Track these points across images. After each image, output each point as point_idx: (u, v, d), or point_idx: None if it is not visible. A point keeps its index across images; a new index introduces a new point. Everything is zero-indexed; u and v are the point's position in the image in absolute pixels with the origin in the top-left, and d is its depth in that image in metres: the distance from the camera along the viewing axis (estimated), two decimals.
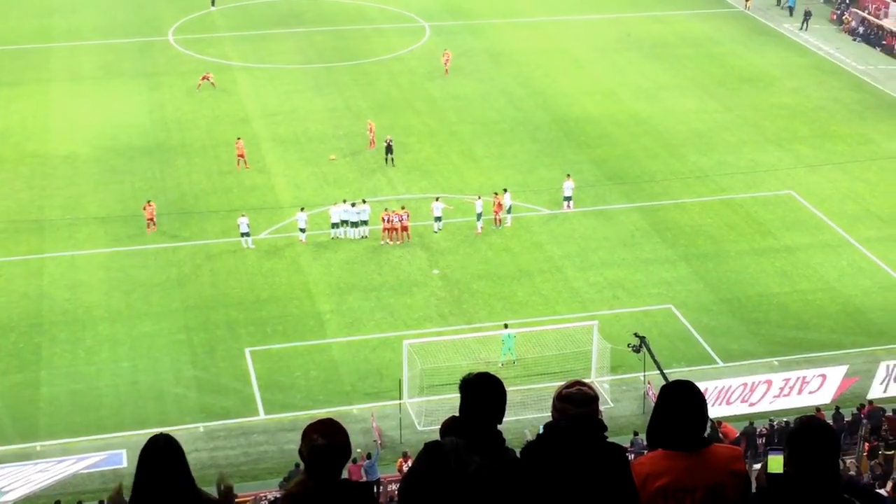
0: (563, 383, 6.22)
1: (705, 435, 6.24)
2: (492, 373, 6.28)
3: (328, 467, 5.93)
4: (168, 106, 54.88)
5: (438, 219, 43.07)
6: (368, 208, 43.01)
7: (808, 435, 5.67)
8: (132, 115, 53.41)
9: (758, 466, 6.64)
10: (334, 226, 42.72)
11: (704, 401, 6.19)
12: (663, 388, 6.21)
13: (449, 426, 6.18)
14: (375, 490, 30.84)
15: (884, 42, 66.38)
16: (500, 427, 6.14)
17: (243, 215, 42.02)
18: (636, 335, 31.29)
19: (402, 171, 47.58)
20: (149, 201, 43.56)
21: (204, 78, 56.35)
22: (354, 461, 31.22)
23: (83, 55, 61.32)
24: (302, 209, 42.91)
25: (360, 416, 33.92)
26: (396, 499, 6.09)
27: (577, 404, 5.95)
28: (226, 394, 34.38)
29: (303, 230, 42.51)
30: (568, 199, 45.32)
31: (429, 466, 5.96)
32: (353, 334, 37.35)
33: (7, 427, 33.15)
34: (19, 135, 51.34)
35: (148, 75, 58.63)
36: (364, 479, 30.70)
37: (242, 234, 41.79)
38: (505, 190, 43.89)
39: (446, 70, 58.53)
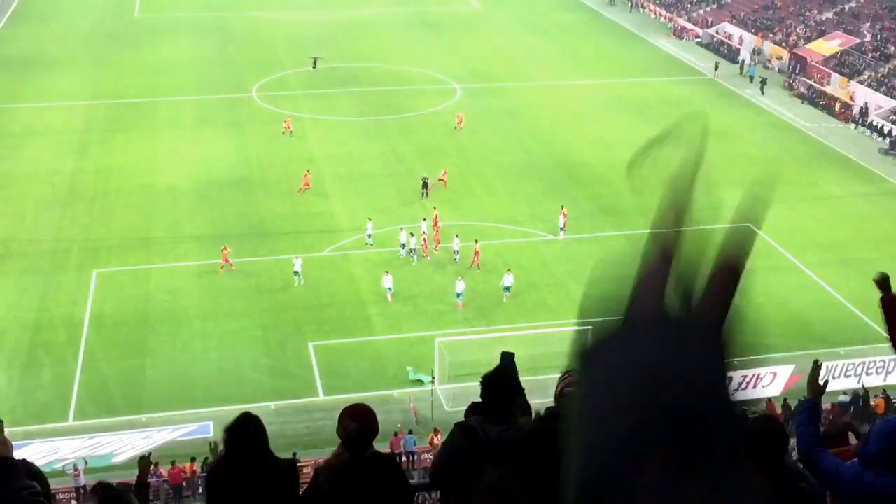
0: (565, 379, 6.21)
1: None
2: (504, 365, 6.33)
3: (360, 445, 5.99)
4: (251, 149, 55.21)
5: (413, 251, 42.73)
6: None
7: (763, 430, 5.62)
8: (222, 156, 53.77)
9: None
10: (402, 245, 42.63)
11: None
12: None
13: (472, 409, 6.17)
14: (410, 458, 30.87)
15: (826, 104, 65.98)
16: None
17: (297, 257, 40.68)
18: None
19: (437, 203, 47.64)
20: (225, 247, 41.62)
21: (287, 125, 56.80)
22: (395, 434, 31.29)
23: (184, 107, 61.83)
24: (369, 219, 43.86)
25: (399, 399, 33.94)
26: (432, 467, 6.06)
27: None
28: (292, 379, 34.50)
29: (370, 235, 43.30)
30: (561, 229, 45.28)
31: (460, 436, 6.03)
32: (395, 333, 37.39)
33: (118, 402, 33.41)
34: (132, 170, 51.78)
35: (235, 124, 59.03)
36: (402, 449, 30.75)
37: (295, 273, 40.13)
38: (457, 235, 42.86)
39: (459, 126, 58.04)
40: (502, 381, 6.16)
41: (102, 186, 49.78)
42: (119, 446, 31.19)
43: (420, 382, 34.51)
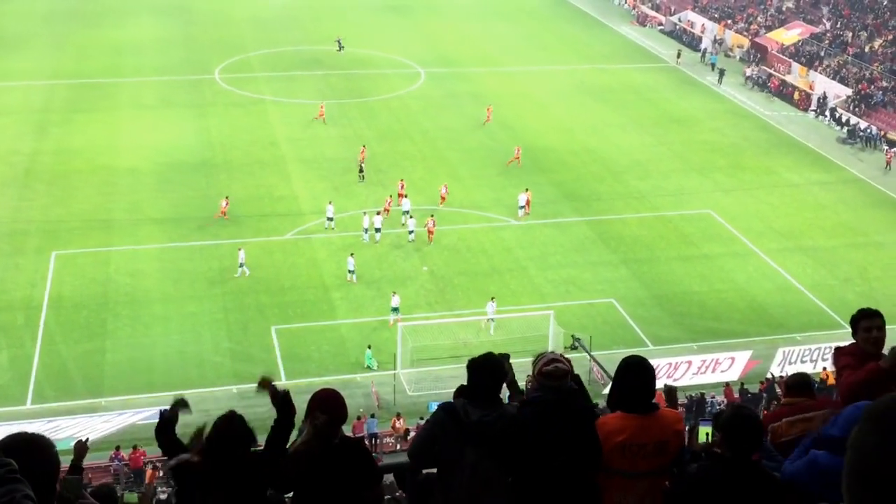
0: (542, 359, 6.25)
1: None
2: (492, 353, 6.41)
3: (328, 434, 6.02)
4: (213, 131, 54.73)
5: (378, 230, 42.61)
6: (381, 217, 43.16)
7: (741, 424, 5.70)
8: (184, 138, 53.24)
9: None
10: (365, 230, 42.49)
11: (654, 373, 6.23)
12: (622, 362, 6.23)
13: (459, 391, 6.31)
14: (373, 441, 30.91)
15: (786, 93, 66.66)
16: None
17: (241, 248, 39.92)
18: (573, 337, 31.54)
19: (395, 189, 47.55)
20: (226, 197, 44.33)
21: (321, 112, 56.09)
22: (359, 418, 31.30)
23: (145, 89, 61.10)
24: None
25: (362, 383, 33.93)
26: (413, 446, 6.11)
27: (554, 378, 6.04)
28: (254, 362, 34.34)
29: (330, 218, 42.92)
30: (521, 207, 45.46)
31: (443, 417, 6.10)
32: (358, 317, 37.33)
33: (78, 385, 33.10)
34: (92, 151, 51.13)
35: (197, 106, 58.45)
36: (365, 433, 30.79)
37: (240, 265, 39.37)
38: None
39: (488, 121, 56.78)
40: (488, 366, 6.21)
41: (62, 167, 49.10)
42: (79, 430, 30.83)
43: (370, 368, 34.52)
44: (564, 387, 6.06)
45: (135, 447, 30.10)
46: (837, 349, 7.31)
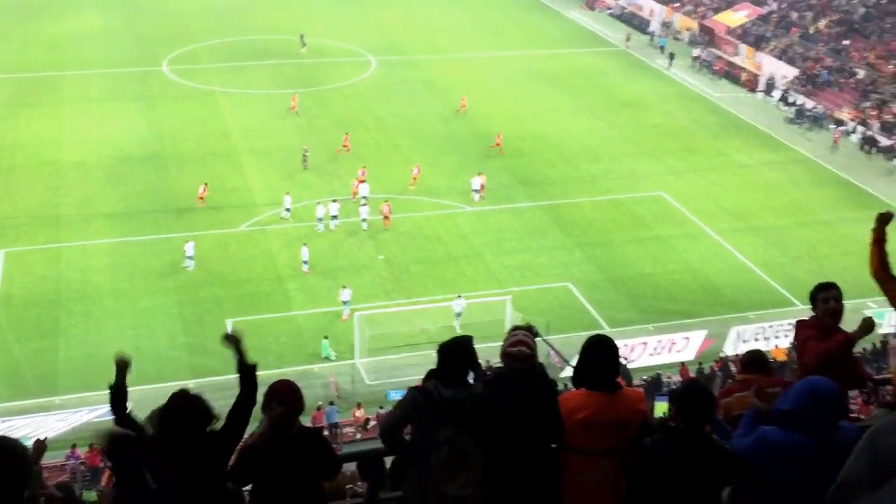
0: (510, 338, 6.29)
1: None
2: (464, 335, 6.58)
3: (285, 425, 6.00)
4: (163, 123, 54.06)
5: (335, 217, 42.74)
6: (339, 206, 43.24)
7: (694, 397, 5.80)
8: (132, 131, 52.54)
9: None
10: (319, 220, 42.35)
11: (617, 352, 6.29)
12: (587, 341, 6.30)
13: (429, 375, 6.44)
14: (333, 431, 30.87)
15: (735, 75, 67.41)
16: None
17: (189, 241, 39.52)
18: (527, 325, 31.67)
19: (354, 176, 47.40)
20: (205, 183, 44.60)
21: (293, 103, 55.73)
22: (319, 408, 31.25)
23: (91, 81, 60.15)
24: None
25: (320, 374, 33.84)
26: (385, 427, 6.14)
27: (518, 361, 6.12)
28: (211, 356, 34.01)
29: (288, 210, 42.79)
30: (475, 191, 45.67)
31: (417, 397, 6.23)
32: (314, 307, 37.19)
33: (31, 384, 32.61)
34: (37, 146, 50.26)
35: (145, 98, 57.68)
36: (325, 423, 30.74)
37: (188, 257, 39.09)
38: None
39: (463, 109, 56.61)
40: (457, 348, 6.37)
41: (6, 163, 48.21)
42: (33, 430, 30.38)
43: (328, 359, 34.42)
44: (529, 367, 6.13)
45: (91, 445, 29.73)
46: (799, 322, 7.49)
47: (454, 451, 5.96)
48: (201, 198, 44.13)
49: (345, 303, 36.47)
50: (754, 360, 7.94)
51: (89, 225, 42.51)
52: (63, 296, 37.19)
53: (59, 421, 30.77)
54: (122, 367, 6.50)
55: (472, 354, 6.39)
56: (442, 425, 6.07)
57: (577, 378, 6.30)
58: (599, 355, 6.19)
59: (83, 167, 47.90)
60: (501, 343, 6.35)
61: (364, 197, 43.91)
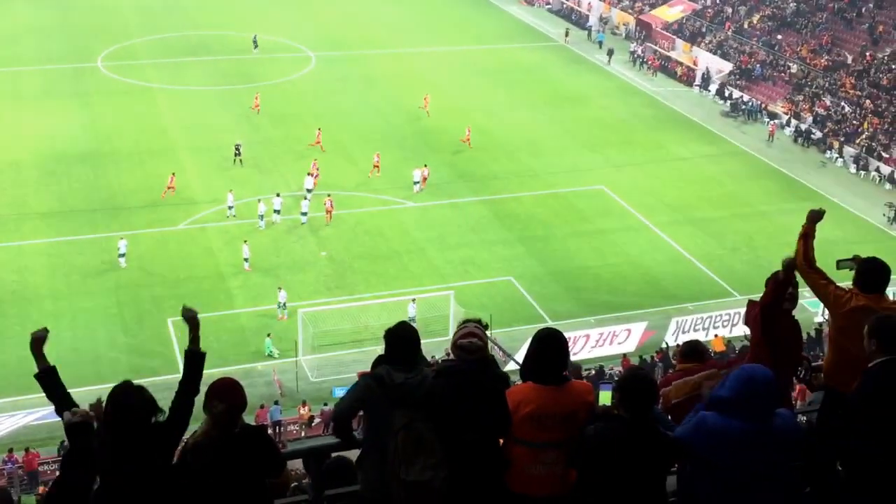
0: (461, 330, 6.33)
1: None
2: (407, 322, 6.67)
3: (227, 422, 5.96)
4: (98, 121, 53.11)
5: (278, 212, 42.55)
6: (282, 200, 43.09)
7: (636, 385, 5.88)
8: (67, 129, 51.53)
9: None
10: (261, 216, 42.00)
11: (567, 346, 6.34)
12: (536, 334, 6.33)
13: (378, 361, 6.42)
14: (277, 430, 30.69)
15: (671, 69, 68.29)
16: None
17: (123, 238, 39.02)
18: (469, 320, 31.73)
19: (296, 172, 47.10)
20: (173, 173, 44.35)
21: (256, 102, 54.86)
22: (262, 406, 31.02)
23: (24, 79, 58.87)
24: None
25: (263, 372, 33.60)
26: (337, 415, 6.19)
27: (469, 353, 6.15)
28: (152, 356, 33.61)
29: (231, 207, 42.43)
30: (416, 182, 45.97)
31: (370, 382, 6.26)
32: (256, 305, 36.89)
33: None
34: None
35: (80, 95, 56.61)
36: (269, 421, 30.53)
37: (120, 255, 38.59)
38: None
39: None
40: (404, 332, 6.40)
41: None
42: None
43: (271, 356, 34.19)
44: (479, 358, 6.17)
45: (27, 449, 29.17)
46: (750, 301, 7.61)
47: (410, 435, 6.00)
48: (171, 188, 43.75)
49: (281, 305, 35.97)
50: (692, 350, 8.10)
51: (24, 224, 41.65)
52: None
53: None
54: (37, 343, 6.38)
55: (417, 338, 6.41)
56: (396, 410, 6.08)
57: (525, 371, 6.35)
58: (548, 349, 6.24)
59: (17, 166, 46.88)
60: (450, 336, 6.39)
61: (308, 190, 43.78)
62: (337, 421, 6.46)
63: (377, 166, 46.92)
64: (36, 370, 6.40)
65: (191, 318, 6.24)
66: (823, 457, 6.37)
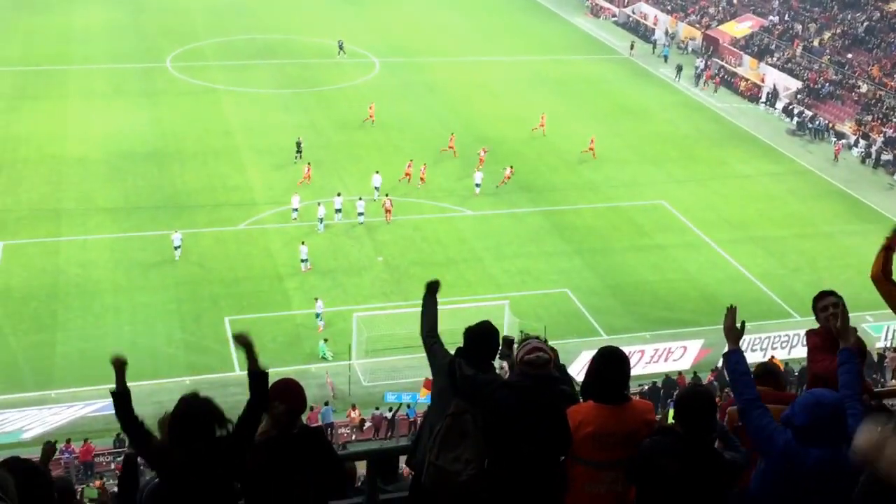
0: (525, 346, 6.26)
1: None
2: (489, 321, 6.88)
3: (287, 423, 5.97)
4: (165, 120, 54.01)
5: (339, 211, 43.36)
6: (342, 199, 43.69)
7: (692, 401, 5.75)
8: (135, 127, 52.48)
9: None
10: (320, 220, 42.30)
11: (629, 365, 6.23)
12: (598, 352, 6.25)
13: (458, 351, 6.71)
14: (328, 432, 30.80)
15: (737, 85, 67.41)
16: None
17: (177, 232, 39.63)
18: (521, 332, 31.61)
19: (356, 177, 47.36)
20: (309, 163, 46.78)
21: (371, 112, 55.09)
22: (312, 409, 31.14)
23: (95, 77, 60.11)
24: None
25: (316, 374, 33.76)
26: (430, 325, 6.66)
27: (535, 367, 6.07)
28: (208, 353, 34.02)
29: (296, 210, 42.84)
30: (478, 185, 46.72)
31: (452, 360, 6.58)
32: (312, 307, 37.10)
33: (27, 377, 32.53)
34: (40, 140, 50.22)
35: (149, 94, 57.64)
36: (320, 422, 30.66)
37: (176, 247, 39.20)
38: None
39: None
40: (481, 331, 6.63)
41: (9, 156, 48.16)
42: (28, 423, 30.38)
43: (325, 359, 34.33)
44: (544, 374, 6.08)
45: (86, 440, 29.68)
46: (808, 331, 7.47)
47: (456, 424, 6.04)
48: (307, 178, 45.63)
49: (317, 315, 35.91)
50: (766, 372, 7.92)
51: (89, 219, 42.46)
52: (61, 290, 37.12)
53: (54, 415, 30.72)
54: (120, 367, 6.41)
55: (495, 340, 6.55)
56: (456, 399, 6.26)
57: (586, 390, 6.25)
58: (610, 368, 6.14)
59: (85, 162, 47.84)
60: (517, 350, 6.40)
61: (377, 188, 44.58)
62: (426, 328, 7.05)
63: (423, 178, 46.93)
64: (114, 388, 6.47)
65: (245, 343, 6.21)
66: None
